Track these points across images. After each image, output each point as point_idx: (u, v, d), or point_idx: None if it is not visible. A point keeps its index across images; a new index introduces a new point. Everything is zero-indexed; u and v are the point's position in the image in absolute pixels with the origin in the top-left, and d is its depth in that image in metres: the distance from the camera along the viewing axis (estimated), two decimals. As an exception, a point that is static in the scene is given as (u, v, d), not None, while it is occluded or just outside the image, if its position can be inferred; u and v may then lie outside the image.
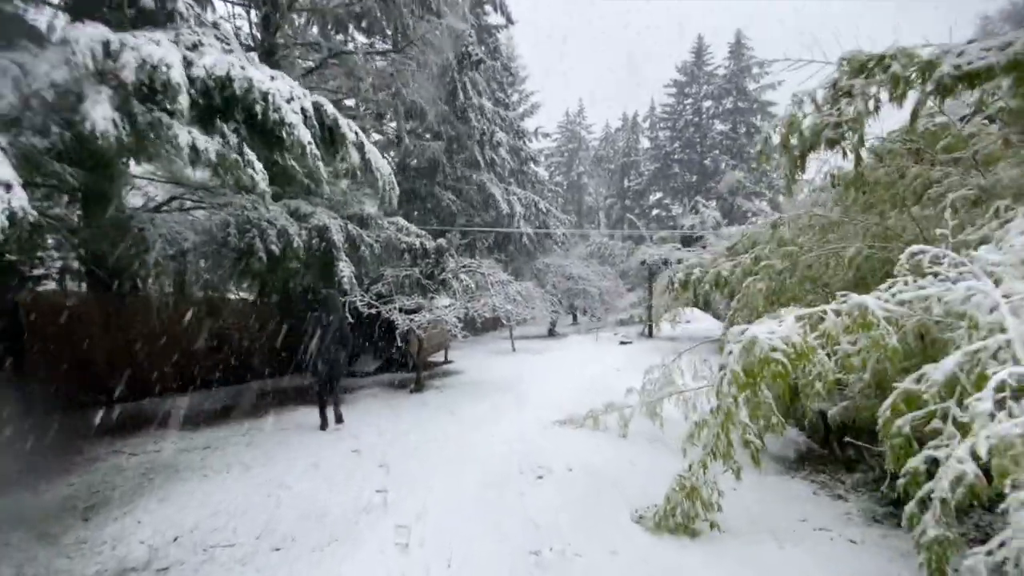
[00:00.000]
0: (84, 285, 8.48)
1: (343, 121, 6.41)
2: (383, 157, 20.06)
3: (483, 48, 21.77)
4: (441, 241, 9.92)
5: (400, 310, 8.30)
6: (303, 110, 5.64)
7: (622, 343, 17.26)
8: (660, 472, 4.70)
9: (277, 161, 7.49)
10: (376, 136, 20.98)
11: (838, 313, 3.10)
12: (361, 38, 14.02)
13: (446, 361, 13.81)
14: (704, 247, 19.29)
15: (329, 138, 6.33)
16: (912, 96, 3.53)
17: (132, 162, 6.26)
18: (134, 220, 7.07)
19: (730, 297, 5.95)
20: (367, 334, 11.15)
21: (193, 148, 4.85)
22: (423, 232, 10.79)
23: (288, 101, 5.39)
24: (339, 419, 7.17)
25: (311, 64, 13.51)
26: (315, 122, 5.96)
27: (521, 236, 21.22)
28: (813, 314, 3.26)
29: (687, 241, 19.51)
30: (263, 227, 7.64)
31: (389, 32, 13.83)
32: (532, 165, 27.89)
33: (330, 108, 6.27)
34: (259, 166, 5.57)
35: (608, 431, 6.90)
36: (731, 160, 37.32)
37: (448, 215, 19.57)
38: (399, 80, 14.32)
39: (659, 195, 39.69)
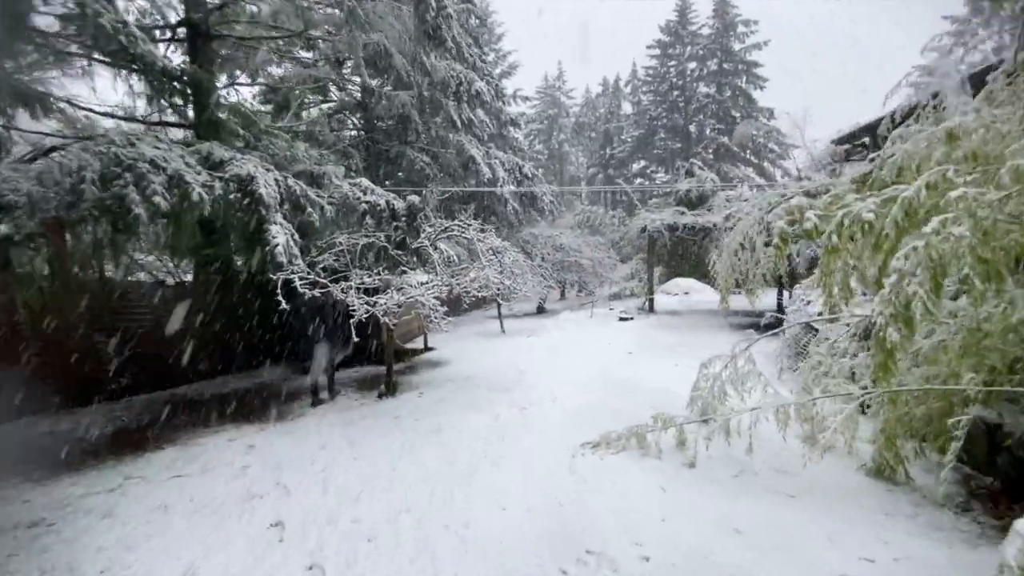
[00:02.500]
0: None
1: None
2: (346, 117, 16.89)
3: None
4: (414, 199, 7.37)
5: (358, 290, 5.78)
6: None
7: (622, 319, 15.06)
8: (800, 554, 2.45)
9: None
10: (336, 94, 18.03)
11: None
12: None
13: (426, 348, 11.37)
14: (709, 209, 17.13)
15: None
16: None
17: None
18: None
19: (876, 250, 3.66)
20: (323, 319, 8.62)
21: None
22: (391, 193, 8.21)
23: None
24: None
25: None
26: None
27: (505, 203, 18.66)
28: None
29: (692, 205, 17.27)
30: (141, 172, 4.97)
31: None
32: (512, 130, 25.19)
33: None
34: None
35: (664, 455, 4.62)
36: (717, 124, 35.13)
37: (422, 181, 16.88)
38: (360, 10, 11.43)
39: (643, 163, 37.35)
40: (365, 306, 5.40)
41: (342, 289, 5.67)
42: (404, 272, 6.15)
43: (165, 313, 7.95)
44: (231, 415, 6.42)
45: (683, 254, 21.14)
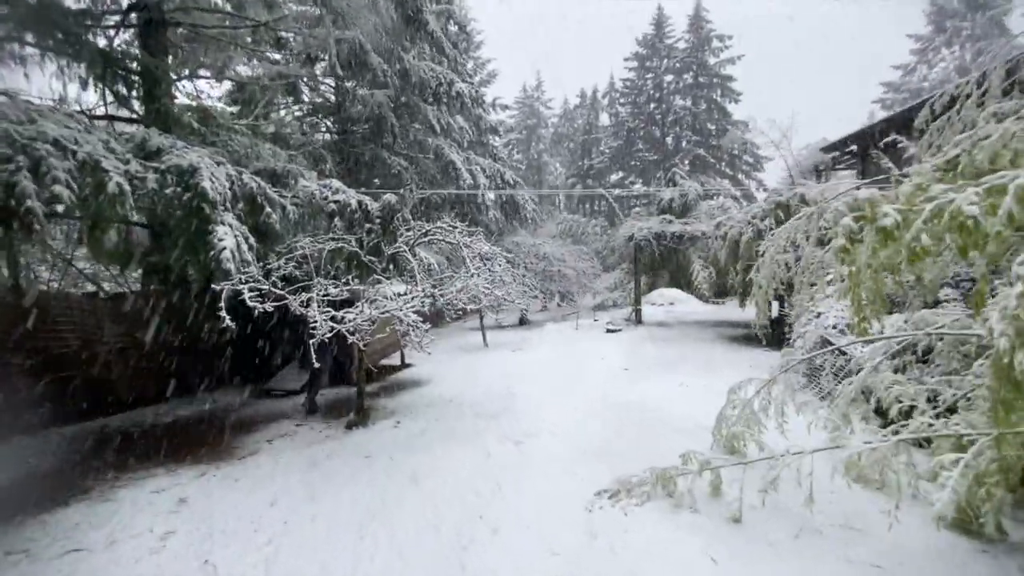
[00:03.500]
0: None
1: None
2: (319, 121, 15.77)
3: (434, 3, 17.84)
4: (390, 198, 6.38)
5: (321, 303, 4.74)
6: None
7: (609, 331, 14.26)
8: None
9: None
10: (308, 95, 16.91)
11: None
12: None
13: (403, 365, 10.29)
14: (697, 219, 16.54)
15: None
16: None
17: None
18: None
19: (977, 249, 2.86)
20: (284, 336, 7.50)
21: None
22: (364, 195, 7.20)
23: None
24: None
25: None
26: None
27: (487, 211, 17.77)
28: None
29: (675, 215, 16.67)
30: (40, 155, 3.87)
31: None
32: (492, 137, 24.41)
33: None
34: None
35: (699, 504, 3.71)
36: (693, 136, 35.10)
37: (400, 187, 15.85)
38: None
39: (621, 174, 37.03)
40: (330, 323, 4.37)
41: (301, 302, 4.63)
42: (378, 282, 5.14)
43: (97, 330, 6.73)
44: (168, 453, 5.27)
45: (664, 264, 20.58)
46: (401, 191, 7.37)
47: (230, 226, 5.36)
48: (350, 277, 5.04)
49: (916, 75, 34.90)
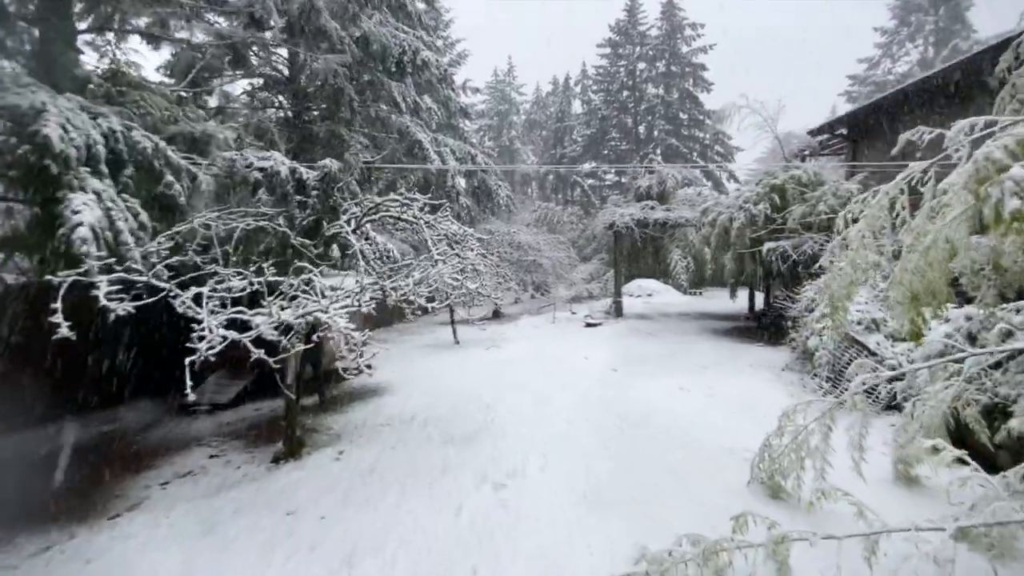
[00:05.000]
0: None
1: None
2: (270, 96, 13.89)
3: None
4: (330, 163, 4.88)
5: (220, 302, 3.27)
6: None
7: (589, 325, 13.08)
8: None
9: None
10: (258, 65, 14.93)
11: None
12: None
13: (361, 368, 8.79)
14: (668, 209, 15.45)
15: None
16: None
17: None
18: None
19: None
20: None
21: None
22: (297, 162, 5.65)
23: None
24: None
25: None
26: None
27: (458, 197, 16.25)
28: None
29: (659, 202, 15.55)
30: None
31: None
32: (463, 121, 22.81)
33: None
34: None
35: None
36: (666, 125, 34.27)
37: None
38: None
39: (594, 163, 35.95)
40: (224, 332, 2.91)
41: (182, 302, 3.15)
42: (301, 271, 3.67)
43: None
44: (9, 509, 3.71)
45: (643, 253, 19.56)
46: (344, 156, 5.77)
47: (97, 195, 3.79)
48: (265, 265, 3.57)
49: (880, 68, 34.99)
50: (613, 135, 35.23)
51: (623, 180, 33.68)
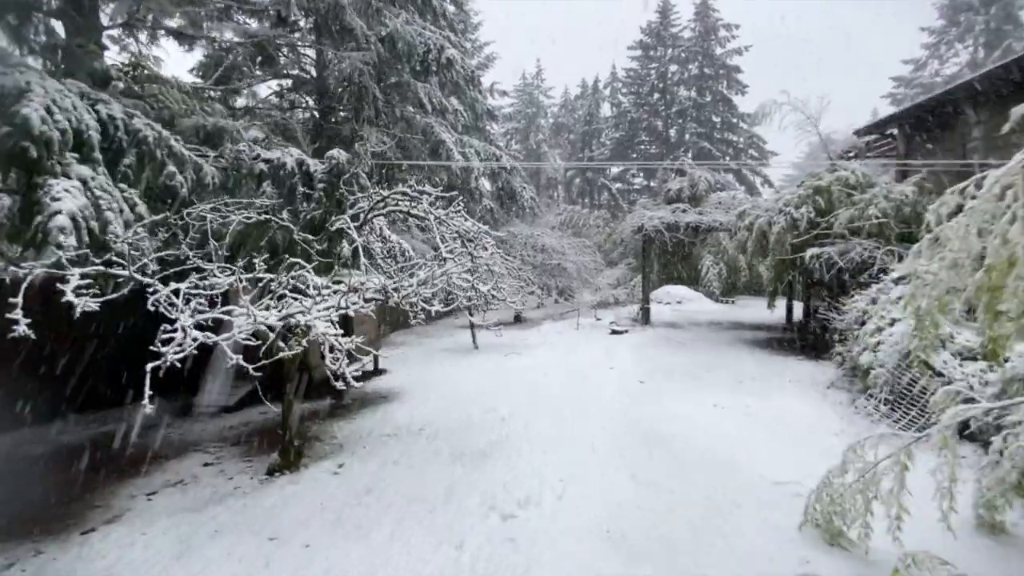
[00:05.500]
0: None
1: None
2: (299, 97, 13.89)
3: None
4: (337, 154, 4.52)
5: (210, 303, 2.91)
6: None
7: (615, 332, 12.47)
8: None
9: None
10: (286, 66, 14.93)
11: None
12: None
13: (376, 371, 8.47)
14: (700, 212, 14.65)
15: None
16: None
17: None
18: None
19: None
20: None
21: None
22: (308, 154, 5.34)
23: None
24: None
25: None
26: None
27: (481, 199, 15.90)
28: None
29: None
30: None
31: None
32: (490, 123, 22.49)
33: None
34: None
35: None
36: (698, 129, 33.25)
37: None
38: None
39: (622, 167, 35.19)
40: (198, 334, 2.54)
41: (156, 299, 2.79)
42: (294, 267, 3.29)
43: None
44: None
45: (673, 259, 18.80)
46: (353, 147, 5.35)
47: (83, 182, 3.50)
48: (257, 260, 3.20)
49: (927, 70, 33.17)
50: (643, 138, 34.43)
51: (652, 184, 32.79)
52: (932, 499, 2.76)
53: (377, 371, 8.53)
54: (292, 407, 4.08)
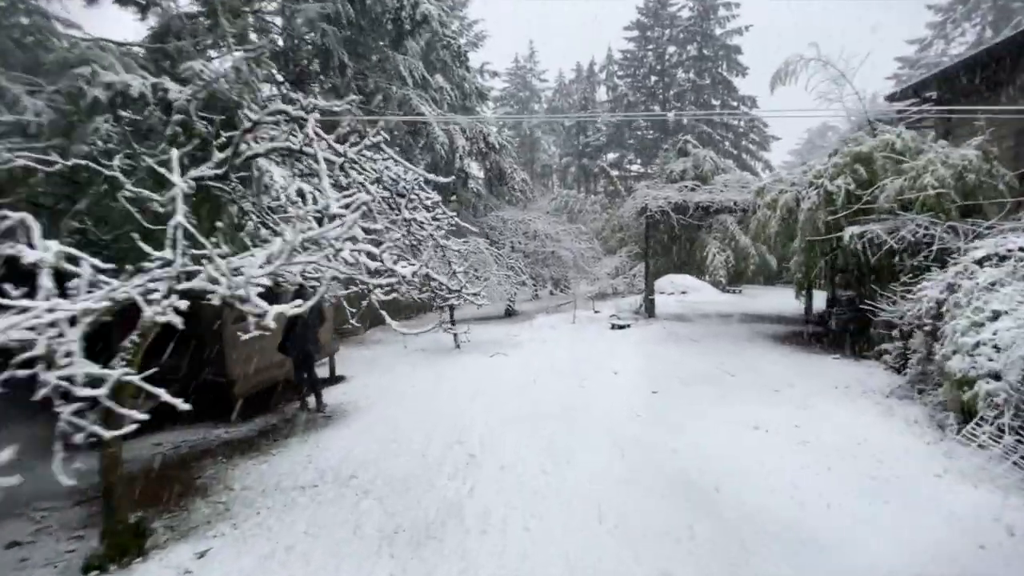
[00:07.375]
0: None
1: None
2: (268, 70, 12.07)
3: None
4: (210, 66, 2.87)
5: None
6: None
7: (616, 327, 10.89)
8: None
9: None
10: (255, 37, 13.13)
11: None
12: None
13: (332, 378, 6.88)
14: (711, 191, 12.99)
15: None
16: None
17: None
18: None
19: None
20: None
21: None
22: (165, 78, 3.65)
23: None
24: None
25: None
26: None
27: (465, 181, 14.22)
28: None
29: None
30: None
31: None
32: (480, 104, 20.69)
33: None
34: None
35: None
36: (698, 110, 31.46)
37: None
38: None
39: (619, 152, 33.49)
40: None
41: None
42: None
43: None
44: None
45: (675, 245, 17.20)
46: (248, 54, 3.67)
47: None
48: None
49: (933, 50, 31.46)
50: (640, 123, 32.63)
51: (649, 170, 31.10)
52: None
53: (333, 378, 6.94)
54: (115, 461, 2.48)
